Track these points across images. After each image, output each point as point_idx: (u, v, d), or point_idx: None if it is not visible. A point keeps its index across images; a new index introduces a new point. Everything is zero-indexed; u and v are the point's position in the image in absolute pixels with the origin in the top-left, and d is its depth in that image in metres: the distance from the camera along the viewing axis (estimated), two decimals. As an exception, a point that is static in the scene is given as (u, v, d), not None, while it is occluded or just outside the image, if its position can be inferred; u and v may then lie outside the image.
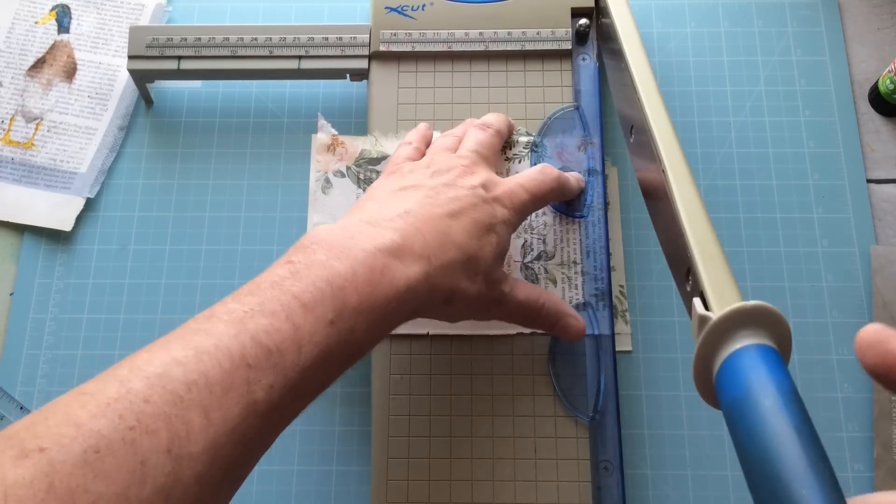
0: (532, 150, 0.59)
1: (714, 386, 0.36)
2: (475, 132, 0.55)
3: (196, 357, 0.35)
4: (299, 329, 0.38)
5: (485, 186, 0.50)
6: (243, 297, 0.39)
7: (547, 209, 0.58)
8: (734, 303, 0.36)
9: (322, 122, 0.61)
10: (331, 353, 0.39)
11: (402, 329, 0.49)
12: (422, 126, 0.59)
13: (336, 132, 0.60)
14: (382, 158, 0.60)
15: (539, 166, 0.55)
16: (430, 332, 0.56)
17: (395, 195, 0.48)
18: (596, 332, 0.55)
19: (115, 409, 0.32)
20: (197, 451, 0.33)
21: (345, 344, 0.40)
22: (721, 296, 0.38)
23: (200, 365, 0.35)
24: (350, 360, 0.42)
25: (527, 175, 0.53)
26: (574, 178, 0.57)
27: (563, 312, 0.53)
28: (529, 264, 0.57)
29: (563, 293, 0.56)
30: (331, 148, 0.60)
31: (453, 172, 0.50)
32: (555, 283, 0.57)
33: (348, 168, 0.60)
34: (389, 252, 0.43)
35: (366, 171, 0.60)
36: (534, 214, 0.58)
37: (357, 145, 0.60)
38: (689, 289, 0.41)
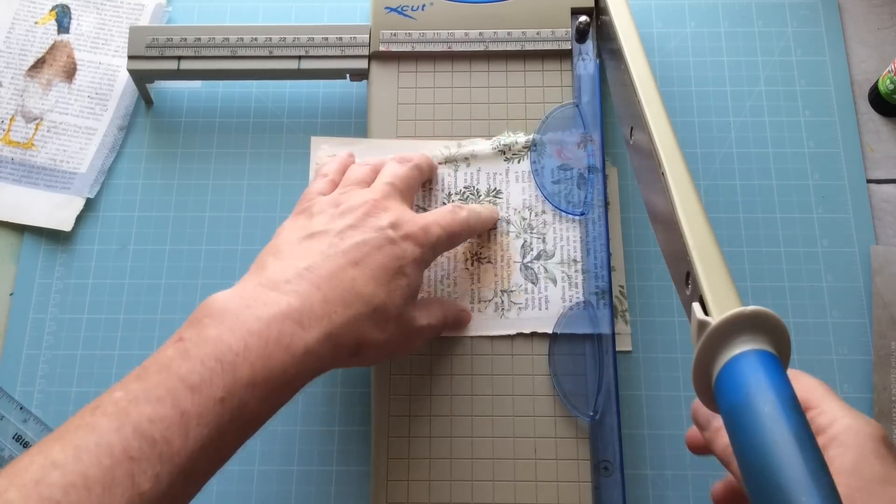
0: (532, 149, 0.59)
1: (713, 391, 0.36)
2: (393, 165, 0.54)
3: (75, 457, 0.35)
4: (185, 413, 0.37)
5: (394, 226, 0.48)
6: (129, 385, 0.38)
7: (546, 207, 0.58)
8: (733, 308, 0.36)
9: (316, 145, 0.61)
10: (222, 431, 0.38)
11: None
12: (343, 155, 0.58)
13: (334, 153, 0.60)
14: None
15: (449, 206, 0.54)
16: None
17: (299, 245, 0.47)
18: (596, 332, 0.55)
19: None
20: None
21: (237, 420, 0.39)
22: (720, 301, 0.38)
23: (79, 465, 0.34)
24: (245, 433, 0.41)
25: (440, 213, 0.53)
26: (488, 210, 0.57)
27: (459, 319, 0.56)
28: (529, 264, 0.57)
29: (563, 292, 0.56)
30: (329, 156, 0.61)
31: (360, 210, 0.49)
32: (555, 282, 0.57)
33: None
34: (286, 317, 0.42)
35: None
36: (532, 214, 0.58)
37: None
38: (688, 293, 0.41)
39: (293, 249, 0.47)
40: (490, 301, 0.57)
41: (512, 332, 0.56)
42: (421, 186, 0.58)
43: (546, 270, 0.57)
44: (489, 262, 0.57)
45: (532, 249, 0.57)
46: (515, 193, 0.59)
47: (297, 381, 0.42)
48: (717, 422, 0.44)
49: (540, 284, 0.57)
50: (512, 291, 0.57)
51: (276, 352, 0.41)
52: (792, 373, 0.40)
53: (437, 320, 0.53)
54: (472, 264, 0.57)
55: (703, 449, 0.46)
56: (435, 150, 0.60)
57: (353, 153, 0.59)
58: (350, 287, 0.45)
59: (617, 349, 0.56)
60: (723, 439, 0.42)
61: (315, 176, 0.57)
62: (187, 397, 0.38)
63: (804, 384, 0.43)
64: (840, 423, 0.40)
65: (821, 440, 0.40)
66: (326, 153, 0.60)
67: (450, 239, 0.52)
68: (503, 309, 0.56)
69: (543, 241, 0.58)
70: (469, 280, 0.57)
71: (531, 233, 0.58)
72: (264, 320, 0.41)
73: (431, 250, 0.50)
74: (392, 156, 0.57)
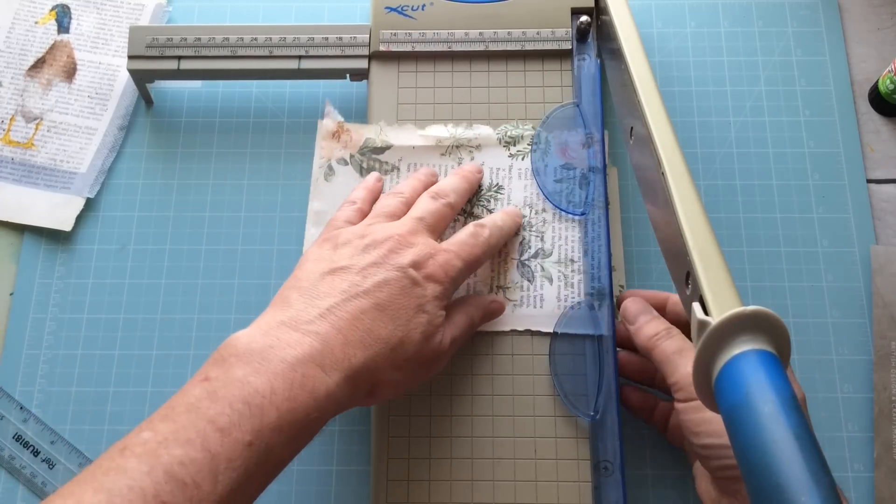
0: (533, 149, 0.59)
1: (713, 391, 0.36)
2: (426, 200, 0.54)
3: (108, 502, 0.35)
4: (216, 457, 0.37)
5: (416, 265, 0.49)
6: (157, 425, 0.39)
7: (546, 206, 0.58)
8: (733, 308, 0.36)
9: (329, 108, 0.61)
10: (249, 474, 0.39)
11: None
12: (371, 179, 0.58)
13: (342, 119, 0.61)
14: (386, 148, 0.60)
15: (471, 229, 0.54)
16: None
17: (322, 281, 0.47)
18: (596, 333, 0.55)
19: None
20: None
21: (263, 463, 0.40)
22: (720, 301, 0.38)
23: None
24: (269, 477, 0.41)
25: (461, 242, 0.52)
26: (510, 221, 0.57)
27: (490, 311, 0.56)
28: (526, 261, 0.57)
29: (559, 291, 0.56)
30: (335, 135, 0.60)
31: (385, 246, 0.49)
32: (551, 281, 0.57)
33: (352, 156, 0.60)
34: (310, 360, 0.43)
35: (369, 160, 0.60)
36: (532, 212, 0.58)
37: (362, 133, 0.60)
38: (688, 293, 0.41)
39: (316, 285, 0.47)
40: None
41: (506, 328, 0.56)
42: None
43: (542, 269, 0.57)
44: None
45: (530, 247, 0.57)
46: (517, 190, 0.59)
47: (317, 424, 0.43)
48: (644, 317, 0.52)
49: (536, 282, 0.57)
50: (507, 288, 0.57)
51: (301, 395, 0.41)
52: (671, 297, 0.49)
53: (463, 329, 0.53)
54: None
55: (627, 342, 0.54)
56: (440, 131, 0.60)
57: (381, 177, 0.59)
58: (369, 329, 0.46)
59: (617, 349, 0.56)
60: (645, 332, 0.51)
61: (343, 203, 0.56)
62: (217, 440, 0.38)
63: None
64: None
65: None
66: (333, 118, 0.60)
67: (470, 269, 0.52)
68: None
69: (542, 239, 0.58)
70: None
71: (530, 230, 0.58)
72: (289, 363, 0.42)
73: (452, 284, 0.51)
74: (420, 177, 0.57)
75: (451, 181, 0.57)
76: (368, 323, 0.46)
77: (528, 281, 0.57)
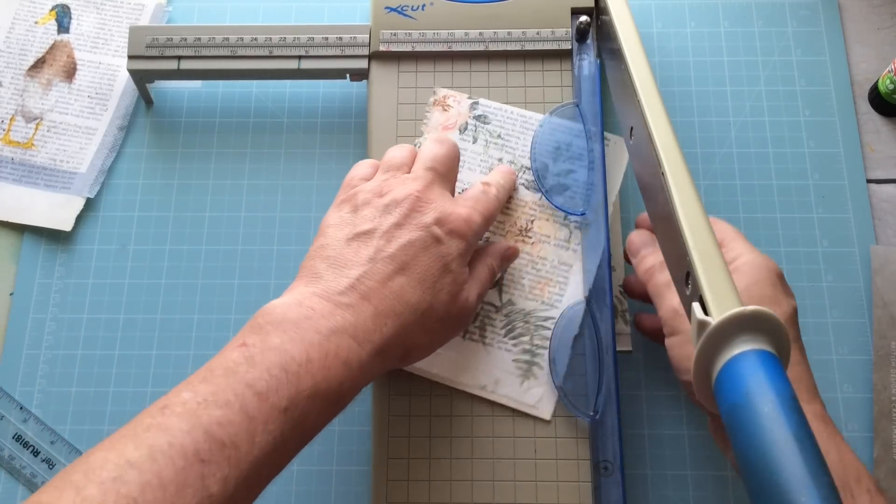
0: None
1: (713, 391, 0.36)
2: (432, 146, 0.53)
3: (150, 457, 0.36)
4: (253, 420, 0.38)
5: (439, 222, 0.49)
6: (197, 386, 0.39)
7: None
8: (733, 308, 0.36)
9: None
10: (285, 439, 0.40)
11: None
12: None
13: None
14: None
15: (480, 187, 0.54)
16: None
17: (348, 248, 0.48)
18: (596, 333, 0.55)
19: None
20: None
21: (299, 429, 0.41)
22: (720, 301, 0.38)
23: (154, 465, 0.35)
24: (303, 442, 0.42)
25: (476, 198, 0.53)
26: (506, 176, 0.57)
27: (507, 258, 0.56)
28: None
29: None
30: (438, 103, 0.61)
31: (405, 205, 0.49)
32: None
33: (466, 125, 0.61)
34: (343, 332, 0.43)
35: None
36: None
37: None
38: (688, 293, 0.41)
39: (342, 253, 0.47)
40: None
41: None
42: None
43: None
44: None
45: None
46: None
47: (350, 394, 0.44)
48: (645, 251, 0.54)
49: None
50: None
51: (335, 365, 0.42)
52: (712, 219, 0.49)
53: (486, 282, 0.53)
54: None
55: (638, 286, 0.56)
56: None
57: None
58: (398, 295, 0.46)
59: (617, 349, 0.56)
60: (643, 265, 0.53)
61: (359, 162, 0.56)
62: (254, 404, 0.39)
63: (720, 227, 0.52)
64: (744, 258, 0.49)
65: None
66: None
67: (487, 223, 0.53)
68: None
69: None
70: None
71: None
72: (323, 334, 0.43)
73: (475, 238, 0.51)
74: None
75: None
76: (397, 289, 0.46)
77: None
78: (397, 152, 0.54)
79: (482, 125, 0.60)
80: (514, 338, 0.56)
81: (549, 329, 0.56)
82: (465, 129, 0.60)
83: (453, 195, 0.53)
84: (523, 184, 0.59)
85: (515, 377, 0.55)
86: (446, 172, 0.52)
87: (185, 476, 0.36)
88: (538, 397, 0.55)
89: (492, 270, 0.54)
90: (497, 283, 0.57)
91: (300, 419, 0.40)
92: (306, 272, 0.47)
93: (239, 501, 0.38)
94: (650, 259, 0.53)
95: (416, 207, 0.49)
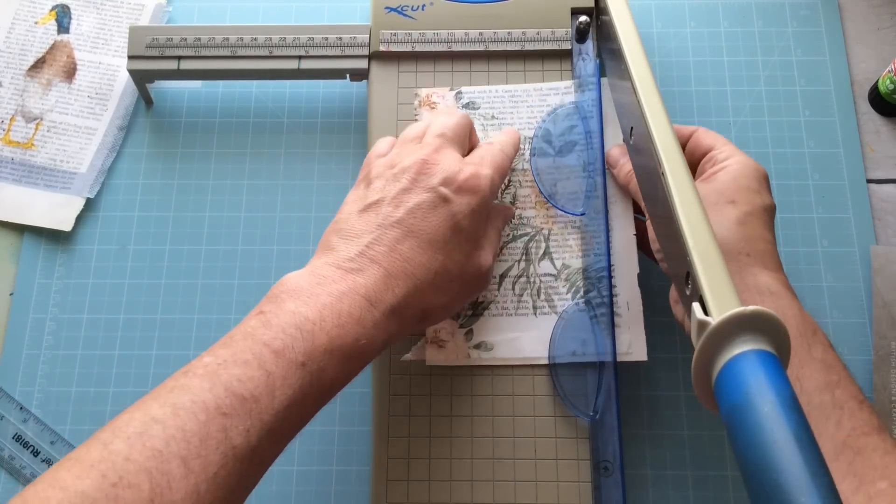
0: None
1: (713, 391, 0.36)
2: (441, 116, 0.54)
3: (173, 413, 0.38)
4: (271, 375, 0.40)
5: (446, 182, 0.49)
6: (217, 351, 0.42)
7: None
8: (733, 308, 0.36)
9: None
10: (304, 393, 0.41)
11: None
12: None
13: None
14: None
15: (484, 144, 0.55)
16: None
17: (359, 219, 0.49)
18: (595, 334, 0.55)
19: (98, 469, 0.35)
20: (178, 498, 0.35)
21: (317, 384, 0.42)
22: (720, 301, 0.38)
23: (177, 420, 0.37)
24: (323, 399, 0.44)
25: (482, 153, 0.53)
26: (509, 134, 0.58)
27: (507, 218, 0.57)
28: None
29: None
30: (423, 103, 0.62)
31: (413, 170, 0.49)
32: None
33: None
34: (355, 293, 0.45)
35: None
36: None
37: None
38: (688, 293, 0.41)
39: (354, 224, 0.48)
40: None
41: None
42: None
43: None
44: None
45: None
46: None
47: (368, 352, 0.45)
48: (624, 159, 0.56)
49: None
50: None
51: (349, 323, 0.44)
52: (701, 129, 0.56)
53: (497, 244, 0.54)
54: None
55: (641, 236, 0.57)
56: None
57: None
58: (409, 258, 0.47)
59: (627, 360, 0.56)
60: (624, 169, 0.56)
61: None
62: (272, 360, 0.41)
63: (708, 133, 0.55)
64: (735, 157, 0.52)
65: (716, 169, 0.52)
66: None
67: (500, 175, 0.53)
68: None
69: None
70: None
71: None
72: (336, 296, 0.44)
73: (490, 193, 0.51)
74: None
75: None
76: (407, 252, 0.47)
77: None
78: (412, 128, 0.54)
79: (473, 111, 0.61)
80: (582, 297, 0.56)
81: (611, 277, 0.56)
82: None
83: (463, 155, 0.54)
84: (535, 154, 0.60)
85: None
86: (456, 138, 0.53)
87: (208, 429, 0.37)
88: (627, 343, 0.55)
89: (499, 232, 0.55)
90: (547, 253, 0.57)
91: (317, 373, 0.42)
92: (321, 247, 0.49)
93: (262, 453, 0.40)
94: (628, 165, 0.55)
95: (422, 171, 0.49)
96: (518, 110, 0.61)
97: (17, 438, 0.58)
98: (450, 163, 0.50)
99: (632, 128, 0.52)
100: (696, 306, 0.39)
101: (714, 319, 0.36)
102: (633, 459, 0.58)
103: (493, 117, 0.61)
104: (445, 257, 0.48)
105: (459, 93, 0.61)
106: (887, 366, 0.59)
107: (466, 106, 0.61)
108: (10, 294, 0.63)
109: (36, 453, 0.58)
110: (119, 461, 0.35)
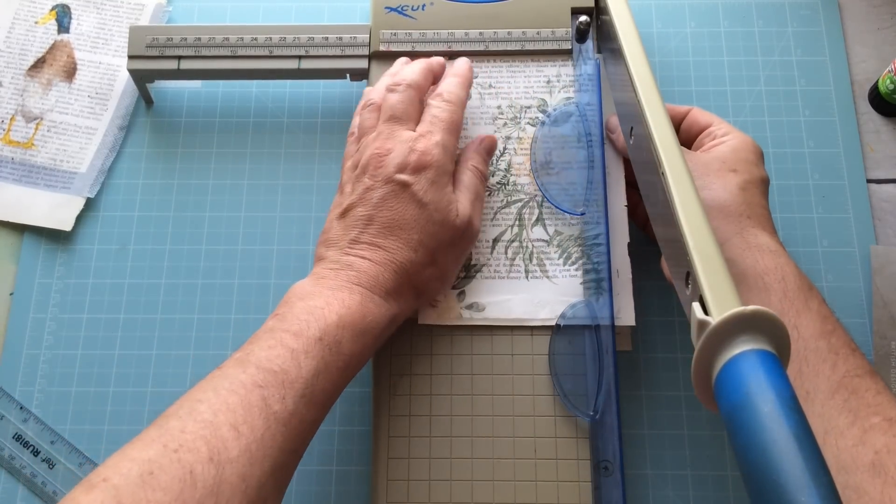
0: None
1: (713, 391, 0.36)
2: (386, 97, 0.56)
3: (215, 394, 0.42)
4: (294, 350, 0.45)
5: (401, 167, 0.52)
6: (244, 347, 0.46)
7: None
8: (733, 308, 0.36)
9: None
10: (327, 363, 0.46)
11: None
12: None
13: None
14: None
15: (430, 102, 0.56)
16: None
17: (339, 225, 0.53)
18: (596, 333, 0.55)
19: (159, 442, 0.39)
20: (234, 455, 0.39)
21: (336, 354, 0.47)
22: (720, 300, 0.38)
23: (219, 398, 0.42)
24: (346, 370, 0.48)
25: (430, 118, 0.55)
26: (460, 73, 0.59)
27: (489, 150, 0.59)
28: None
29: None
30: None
31: (371, 166, 0.53)
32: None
33: None
34: (353, 283, 0.50)
35: None
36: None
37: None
38: (688, 293, 0.41)
39: (336, 231, 0.53)
40: None
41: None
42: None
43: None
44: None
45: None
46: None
47: (377, 328, 0.49)
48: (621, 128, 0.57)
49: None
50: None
51: (353, 304, 0.48)
52: (696, 108, 0.59)
53: (475, 186, 0.56)
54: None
55: (641, 219, 0.61)
56: None
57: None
58: (388, 247, 0.51)
59: (617, 349, 0.56)
60: (619, 137, 0.58)
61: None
62: (292, 340, 0.45)
63: (703, 112, 0.58)
64: (733, 133, 0.55)
65: (716, 142, 0.55)
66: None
67: (453, 133, 0.56)
68: None
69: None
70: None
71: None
72: (335, 288, 0.49)
73: (444, 158, 0.54)
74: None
75: (404, 70, 0.58)
76: (385, 242, 0.51)
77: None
78: (364, 116, 0.57)
79: None
80: (573, 263, 0.57)
81: (602, 244, 0.56)
82: None
83: (417, 122, 0.56)
84: (530, 122, 0.61)
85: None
86: (405, 115, 0.55)
87: (248, 399, 0.42)
88: (617, 309, 0.56)
89: (477, 171, 0.57)
90: (540, 220, 0.58)
91: (335, 346, 0.46)
92: (316, 258, 0.53)
93: (302, 417, 0.44)
94: None
95: (377, 164, 0.53)
96: (515, 79, 0.62)
97: (17, 438, 0.58)
98: (401, 147, 0.53)
99: (632, 128, 0.52)
100: (696, 306, 0.39)
101: (714, 319, 0.36)
102: (633, 459, 0.58)
103: (490, 86, 0.62)
104: (421, 234, 0.52)
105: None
106: (887, 366, 0.59)
107: None
108: (10, 294, 0.63)
109: (36, 453, 0.58)
110: (176, 433, 0.39)
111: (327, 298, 0.48)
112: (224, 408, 0.41)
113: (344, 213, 0.53)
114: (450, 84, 0.58)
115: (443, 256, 0.54)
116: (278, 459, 0.42)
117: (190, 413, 0.41)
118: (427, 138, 0.54)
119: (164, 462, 0.38)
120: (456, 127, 0.56)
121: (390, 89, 0.56)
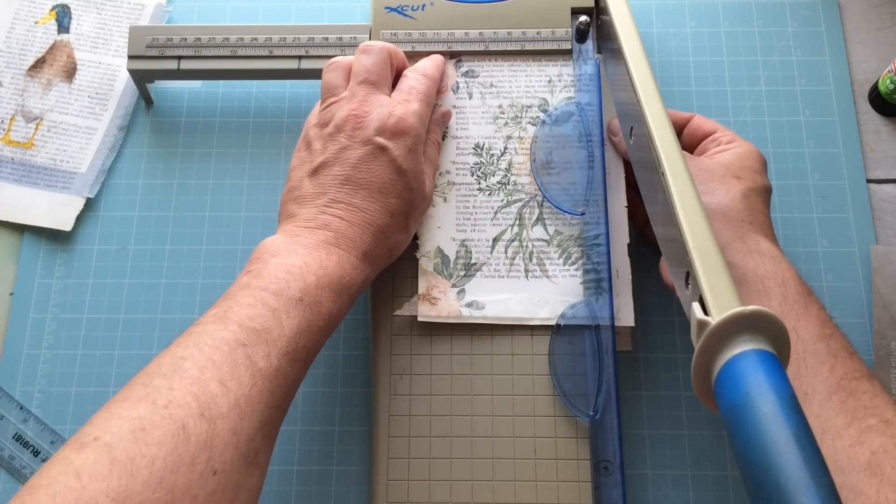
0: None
1: (713, 391, 0.36)
2: (359, 59, 0.56)
3: (198, 351, 0.42)
4: (276, 310, 0.45)
5: (380, 130, 0.53)
6: (220, 303, 0.46)
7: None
8: (733, 308, 0.36)
9: None
10: (308, 322, 0.46)
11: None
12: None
13: None
14: None
15: (405, 77, 0.57)
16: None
17: (311, 182, 0.53)
18: (596, 333, 0.55)
19: (147, 399, 0.39)
20: (225, 410, 0.40)
21: (317, 314, 0.47)
22: (720, 300, 0.38)
23: (203, 355, 0.41)
24: (327, 328, 0.48)
25: (407, 88, 0.56)
26: (433, 59, 0.61)
27: (444, 122, 0.61)
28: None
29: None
30: None
31: (348, 126, 0.53)
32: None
33: None
34: (327, 243, 0.50)
35: None
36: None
37: None
38: (688, 293, 0.41)
39: (307, 189, 0.53)
40: None
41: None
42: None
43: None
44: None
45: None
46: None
47: (353, 287, 0.50)
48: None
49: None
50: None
51: (329, 265, 0.49)
52: (698, 116, 0.59)
53: (436, 158, 0.59)
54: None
55: (642, 221, 0.61)
56: None
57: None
58: (365, 208, 0.51)
59: (617, 349, 0.56)
60: (621, 141, 0.58)
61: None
62: (272, 299, 0.45)
63: (706, 119, 0.59)
64: (738, 141, 0.56)
65: (721, 149, 0.56)
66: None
67: (427, 104, 0.56)
68: None
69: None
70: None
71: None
72: (311, 247, 0.49)
73: (421, 126, 0.55)
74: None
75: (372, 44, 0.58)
76: (362, 203, 0.52)
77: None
78: (331, 75, 0.57)
79: (471, 80, 0.62)
80: (573, 263, 0.57)
81: (602, 244, 0.56)
82: (458, 88, 0.62)
83: (390, 93, 0.56)
84: (531, 122, 0.60)
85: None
86: (379, 79, 0.55)
87: (233, 357, 0.42)
88: (616, 309, 0.56)
89: (438, 144, 0.59)
90: (540, 219, 0.58)
91: (315, 306, 0.46)
92: (283, 215, 0.53)
93: (286, 373, 0.44)
94: None
95: (356, 125, 0.53)
96: (516, 78, 0.62)
97: (17, 438, 0.58)
98: (379, 111, 0.53)
99: (632, 128, 0.52)
100: (695, 306, 0.39)
101: (714, 319, 0.36)
102: (633, 459, 0.58)
103: (491, 85, 0.62)
104: (398, 199, 0.52)
105: (459, 61, 0.62)
106: (887, 366, 0.59)
107: (466, 74, 0.62)
108: (10, 294, 0.63)
109: (36, 453, 0.58)
110: (164, 390, 0.39)
111: (304, 257, 0.48)
112: (209, 364, 0.41)
113: (316, 171, 0.53)
114: (423, 62, 0.59)
115: (414, 223, 0.55)
116: (266, 414, 0.42)
117: (175, 370, 0.41)
118: (404, 106, 0.54)
119: (154, 418, 0.38)
120: (430, 101, 0.57)
121: (363, 51, 0.56)
